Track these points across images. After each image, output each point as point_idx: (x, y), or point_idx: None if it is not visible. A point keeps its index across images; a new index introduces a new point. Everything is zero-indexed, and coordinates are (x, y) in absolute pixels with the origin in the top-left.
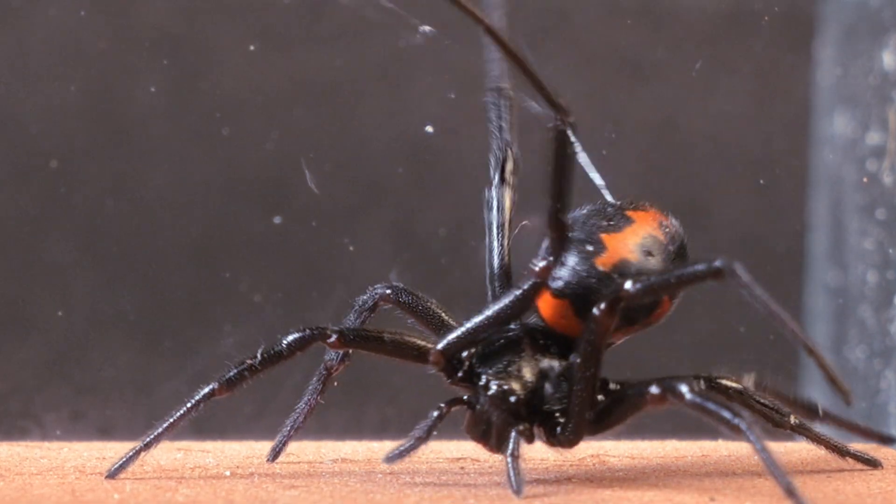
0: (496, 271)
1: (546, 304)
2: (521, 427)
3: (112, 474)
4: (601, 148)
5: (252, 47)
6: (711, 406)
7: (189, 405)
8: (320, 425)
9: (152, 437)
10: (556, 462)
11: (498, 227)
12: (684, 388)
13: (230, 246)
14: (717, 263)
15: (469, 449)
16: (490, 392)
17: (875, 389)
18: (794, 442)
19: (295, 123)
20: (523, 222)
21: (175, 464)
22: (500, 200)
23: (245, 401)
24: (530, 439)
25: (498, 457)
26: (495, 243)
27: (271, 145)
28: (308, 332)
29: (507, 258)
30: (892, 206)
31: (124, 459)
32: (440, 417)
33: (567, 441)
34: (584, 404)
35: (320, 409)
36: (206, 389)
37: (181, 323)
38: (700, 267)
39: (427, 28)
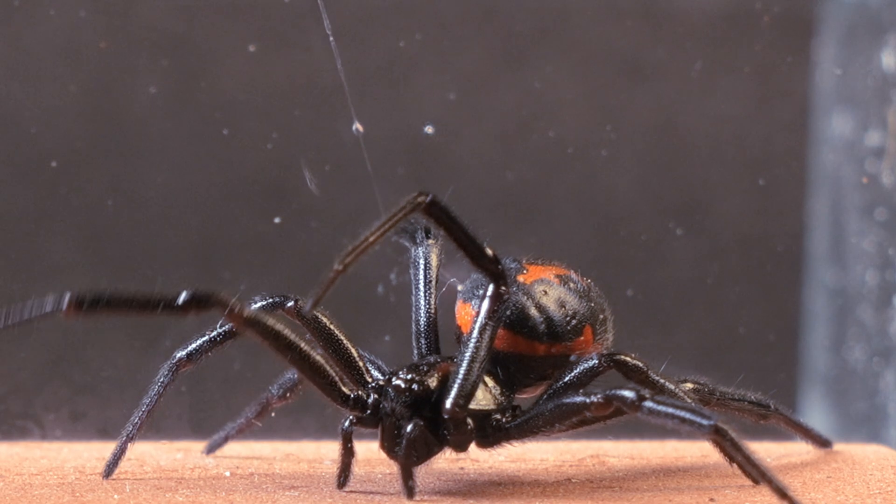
0: (423, 328)
1: (467, 318)
2: (414, 423)
3: (107, 473)
4: (601, 148)
5: (252, 47)
6: (670, 410)
7: (160, 384)
8: (319, 426)
9: (134, 425)
10: (555, 463)
11: (425, 285)
12: (632, 395)
13: (230, 246)
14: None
15: (469, 450)
16: (393, 384)
17: (874, 390)
18: (793, 442)
19: (295, 124)
20: (450, 280)
21: (175, 464)
22: (426, 258)
23: (245, 402)
24: (429, 439)
25: (499, 458)
26: (422, 300)
27: (271, 146)
28: (273, 299)
29: (433, 315)
30: (891, 207)
31: (115, 454)
32: (348, 435)
33: (455, 443)
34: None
35: (320, 410)
36: (173, 362)
37: (181, 323)
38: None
39: (360, 128)
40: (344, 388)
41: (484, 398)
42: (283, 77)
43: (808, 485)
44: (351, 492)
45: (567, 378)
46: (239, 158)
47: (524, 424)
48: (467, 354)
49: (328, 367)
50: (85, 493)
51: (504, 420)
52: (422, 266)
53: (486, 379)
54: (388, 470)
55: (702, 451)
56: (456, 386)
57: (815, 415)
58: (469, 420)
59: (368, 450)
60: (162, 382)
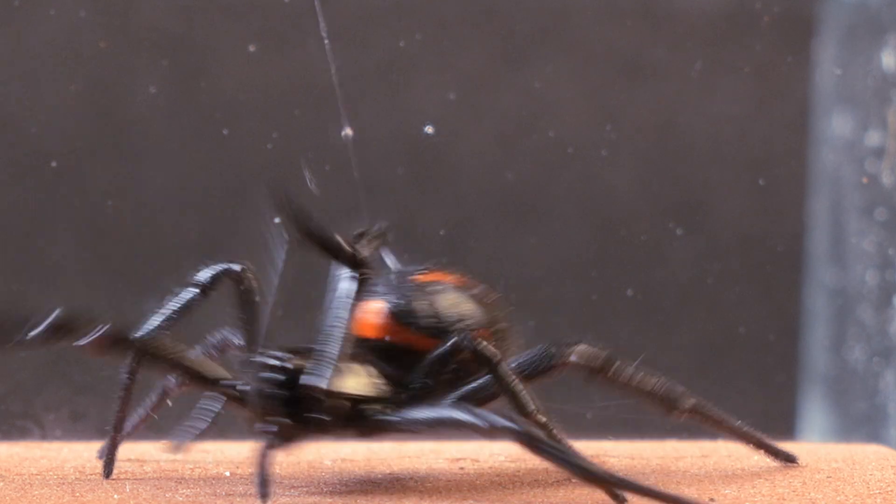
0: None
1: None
2: (259, 391)
3: (106, 473)
4: (601, 148)
5: (251, 47)
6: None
7: (123, 383)
8: None
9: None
10: None
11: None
12: (518, 428)
13: (230, 245)
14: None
15: (469, 450)
16: (253, 360)
17: (874, 390)
18: (793, 442)
19: (294, 123)
20: None
21: (175, 464)
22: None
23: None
24: (287, 418)
25: (499, 458)
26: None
27: (271, 146)
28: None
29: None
30: (891, 207)
31: (106, 453)
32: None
33: (317, 426)
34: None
35: None
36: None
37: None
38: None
39: (349, 132)
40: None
41: (358, 385)
42: (283, 77)
43: (808, 484)
44: (350, 492)
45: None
46: (239, 158)
47: (404, 420)
48: (321, 335)
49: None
50: (85, 493)
51: (381, 411)
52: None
53: (369, 368)
54: (388, 470)
55: (702, 451)
56: (311, 364)
57: (815, 415)
58: (334, 404)
59: (369, 449)
60: (125, 380)
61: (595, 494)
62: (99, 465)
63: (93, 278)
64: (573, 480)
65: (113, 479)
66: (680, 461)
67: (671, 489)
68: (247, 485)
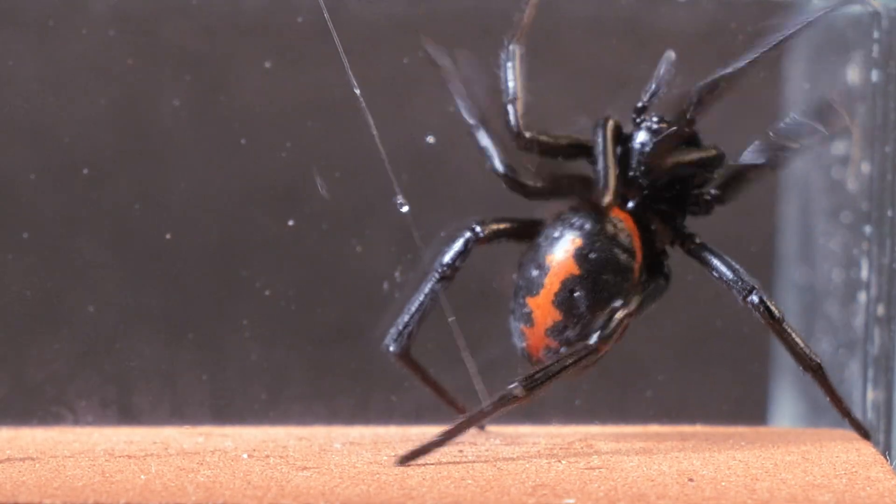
0: None
1: None
2: None
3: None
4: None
5: (267, 64)
6: None
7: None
8: (330, 412)
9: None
10: (547, 446)
11: None
12: None
13: (247, 247)
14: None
15: (467, 435)
16: None
17: (839, 379)
18: (766, 427)
19: (307, 134)
20: None
21: (197, 447)
22: None
23: (260, 389)
24: None
25: (495, 441)
26: None
27: (285, 154)
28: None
29: None
30: (855, 210)
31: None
32: None
33: None
34: None
35: (330, 397)
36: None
37: (202, 318)
38: None
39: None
40: None
41: None
42: (296, 91)
43: (779, 466)
44: (358, 472)
45: None
46: (255, 166)
47: None
48: None
49: None
50: (113, 473)
51: None
52: None
53: None
54: (393, 452)
55: (682, 434)
56: None
57: (786, 402)
58: None
59: (375, 434)
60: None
61: (584, 474)
62: (126, 449)
63: (121, 277)
64: (563, 462)
65: (139, 460)
66: (661, 444)
67: None
68: (263, 466)
